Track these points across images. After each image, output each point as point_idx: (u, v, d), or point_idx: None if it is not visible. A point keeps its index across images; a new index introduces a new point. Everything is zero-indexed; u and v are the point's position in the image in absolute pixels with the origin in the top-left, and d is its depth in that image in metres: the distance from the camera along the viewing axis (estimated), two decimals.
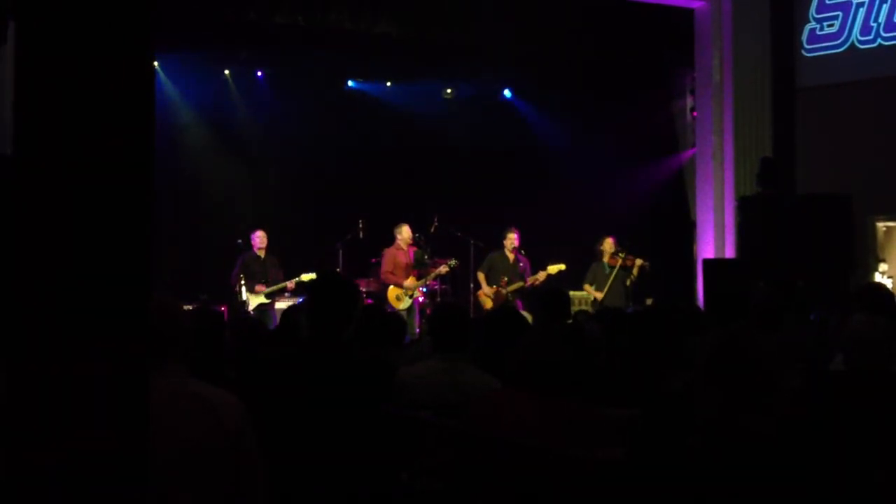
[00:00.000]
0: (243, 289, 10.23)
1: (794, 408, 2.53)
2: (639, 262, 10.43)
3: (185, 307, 8.35)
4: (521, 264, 10.56)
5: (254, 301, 10.21)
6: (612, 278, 10.41)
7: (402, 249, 10.52)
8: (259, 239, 10.47)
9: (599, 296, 10.37)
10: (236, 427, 2.28)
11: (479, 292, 10.67)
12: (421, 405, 3.58)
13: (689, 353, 3.56)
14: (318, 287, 3.33)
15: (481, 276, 10.62)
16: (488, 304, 10.44)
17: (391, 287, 10.39)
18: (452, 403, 3.51)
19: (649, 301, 10.19)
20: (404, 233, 10.53)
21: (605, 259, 10.54)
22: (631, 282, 10.46)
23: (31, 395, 1.49)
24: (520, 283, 10.42)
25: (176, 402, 2.19)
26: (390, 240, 10.67)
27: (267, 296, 10.34)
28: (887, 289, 5.14)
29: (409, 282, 10.42)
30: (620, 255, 10.45)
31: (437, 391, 3.72)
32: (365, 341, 4.19)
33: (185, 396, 2.26)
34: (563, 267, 10.46)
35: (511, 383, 3.24)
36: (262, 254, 10.46)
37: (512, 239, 10.50)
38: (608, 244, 10.54)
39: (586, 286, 10.59)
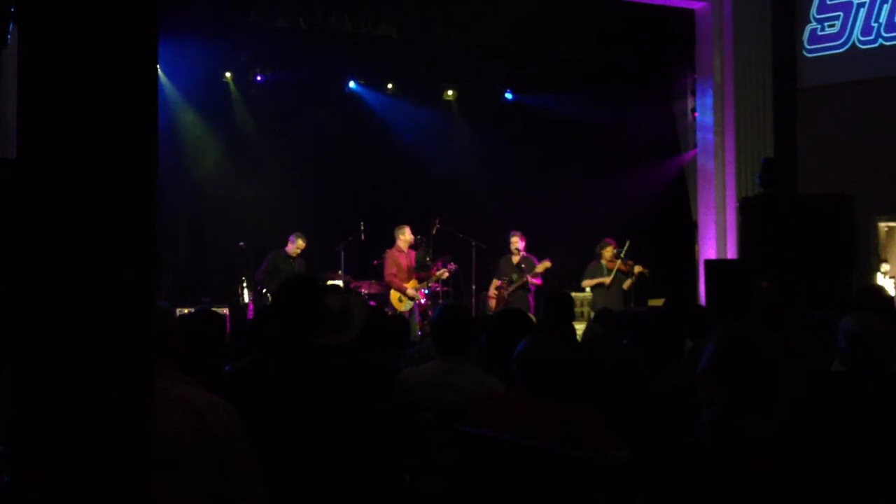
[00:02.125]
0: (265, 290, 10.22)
1: (795, 409, 2.53)
2: (637, 268, 10.45)
3: (187, 310, 8.28)
4: (524, 266, 10.58)
5: None
6: (609, 280, 10.41)
7: (403, 252, 10.53)
8: (296, 244, 10.44)
9: (607, 280, 10.34)
10: (224, 431, 2.25)
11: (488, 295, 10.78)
12: (423, 407, 3.58)
13: (692, 354, 3.56)
14: (283, 292, 3.31)
15: (496, 283, 10.69)
16: (493, 305, 10.51)
17: (393, 289, 10.42)
18: (455, 405, 3.51)
19: (653, 302, 10.17)
20: (406, 234, 10.54)
21: (604, 261, 10.54)
22: (629, 286, 10.46)
23: (35, 397, 1.49)
24: (521, 281, 10.47)
25: (163, 406, 2.18)
26: (391, 241, 10.67)
27: None
28: (884, 290, 5.13)
29: (412, 284, 10.44)
30: (620, 258, 10.45)
31: (440, 393, 3.71)
32: (367, 343, 4.18)
33: (172, 400, 2.23)
34: (548, 264, 10.48)
35: (513, 384, 3.24)
36: (294, 254, 10.42)
37: (515, 242, 10.57)
38: (609, 251, 10.53)
39: (586, 281, 10.52)
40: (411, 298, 10.40)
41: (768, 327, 4.35)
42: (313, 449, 2.92)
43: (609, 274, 10.46)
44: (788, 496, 2.15)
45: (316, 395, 3.03)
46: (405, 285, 10.40)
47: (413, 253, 10.64)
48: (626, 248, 10.54)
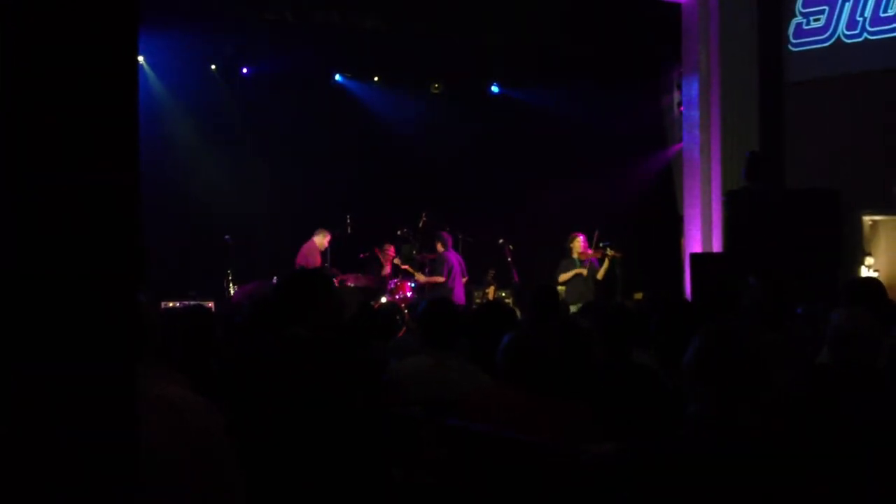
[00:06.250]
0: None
1: (785, 404, 2.53)
2: (610, 252, 10.34)
3: (172, 304, 8.20)
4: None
5: None
6: (586, 271, 10.29)
7: (319, 251, 10.67)
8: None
9: (584, 271, 10.27)
10: (205, 434, 2.21)
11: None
12: (411, 401, 3.57)
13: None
14: (279, 286, 3.29)
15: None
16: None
17: None
18: (442, 399, 3.49)
19: (638, 295, 10.18)
20: (325, 239, 10.72)
21: (575, 255, 10.40)
22: (603, 275, 10.36)
23: (27, 394, 1.47)
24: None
25: (142, 406, 2.12)
26: (379, 236, 10.71)
27: None
28: (878, 282, 5.12)
29: None
30: (599, 247, 10.36)
31: (429, 388, 3.70)
32: (357, 338, 4.17)
33: (152, 400, 2.17)
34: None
35: (503, 379, 3.23)
36: None
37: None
38: (577, 243, 10.43)
39: (562, 276, 10.38)
40: None
41: (768, 326, 4.33)
42: (302, 445, 2.91)
43: (583, 265, 10.36)
44: (776, 492, 2.15)
45: (304, 391, 3.01)
46: None
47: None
48: (595, 235, 10.47)
